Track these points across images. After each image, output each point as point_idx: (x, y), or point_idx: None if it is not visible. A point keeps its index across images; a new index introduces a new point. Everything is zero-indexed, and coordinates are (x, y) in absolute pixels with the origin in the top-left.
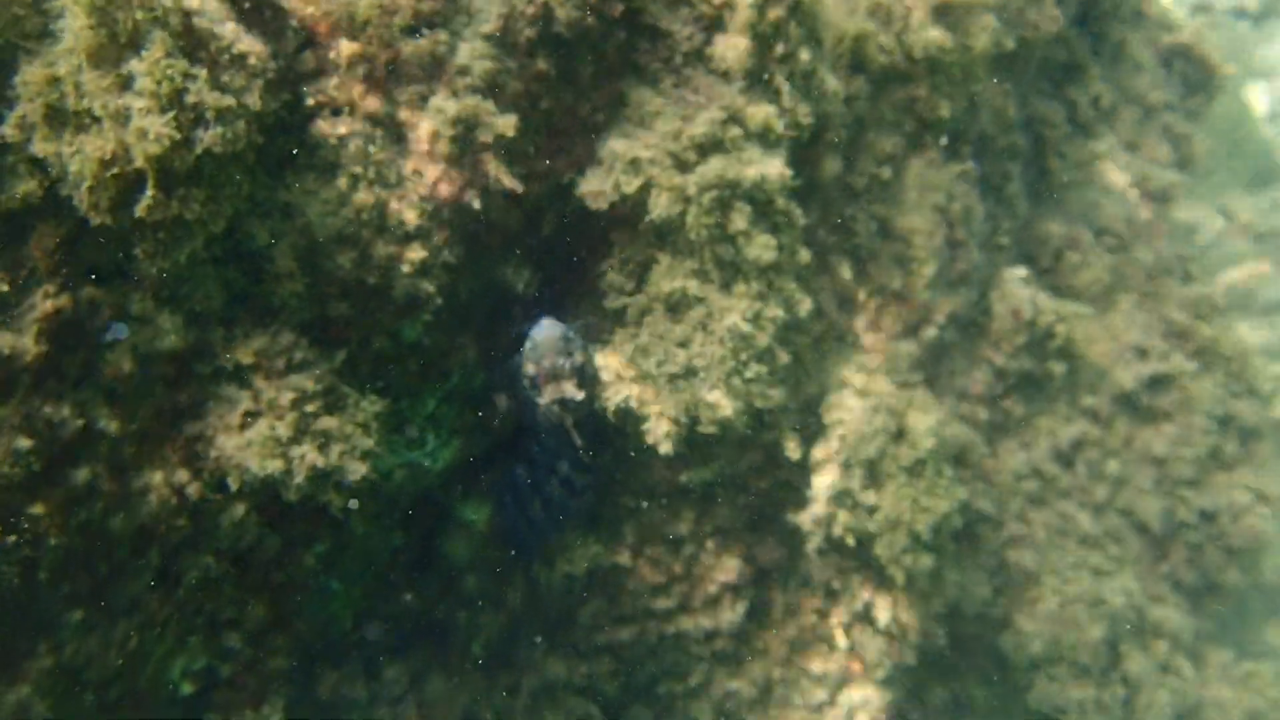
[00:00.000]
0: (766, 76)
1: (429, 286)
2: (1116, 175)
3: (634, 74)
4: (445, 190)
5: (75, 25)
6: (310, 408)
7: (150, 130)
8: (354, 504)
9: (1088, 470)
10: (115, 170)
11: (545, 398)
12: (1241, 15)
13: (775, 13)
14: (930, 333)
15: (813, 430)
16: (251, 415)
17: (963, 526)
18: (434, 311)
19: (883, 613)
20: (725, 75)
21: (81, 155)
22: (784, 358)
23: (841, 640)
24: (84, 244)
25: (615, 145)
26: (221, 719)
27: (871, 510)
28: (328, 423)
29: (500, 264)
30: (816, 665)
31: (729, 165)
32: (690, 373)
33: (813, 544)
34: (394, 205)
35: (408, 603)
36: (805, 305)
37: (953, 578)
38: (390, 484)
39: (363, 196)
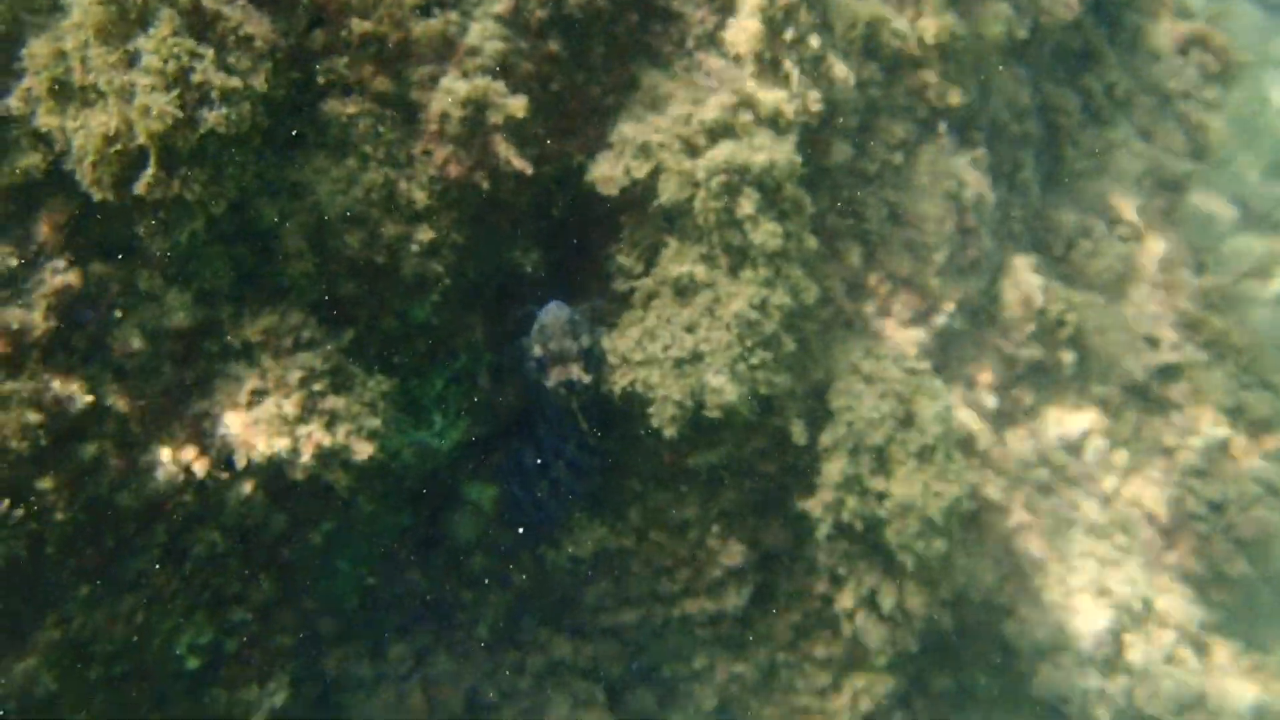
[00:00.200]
0: (776, 61)
1: (437, 267)
2: (1130, 164)
3: (646, 56)
4: (455, 171)
5: (84, 0)
6: (318, 386)
7: (154, 107)
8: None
9: (1096, 459)
10: (118, 147)
11: (552, 380)
12: (1259, 3)
13: None
14: (940, 320)
15: (819, 416)
16: (259, 393)
17: (970, 514)
18: (442, 292)
19: (887, 599)
20: (737, 59)
21: (85, 130)
22: (790, 345)
23: (846, 626)
24: (93, 221)
25: (626, 129)
26: (227, 693)
27: (881, 496)
28: (335, 402)
29: (509, 245)
30: (820, 650)
31: (738, 150)
32: (696, 357)
33: (822, 530)
34: (403, 185)
35: (414, 582)
36: (811, 292)
37: (961, 563)
38: (397, 464)
39: (372, 176)
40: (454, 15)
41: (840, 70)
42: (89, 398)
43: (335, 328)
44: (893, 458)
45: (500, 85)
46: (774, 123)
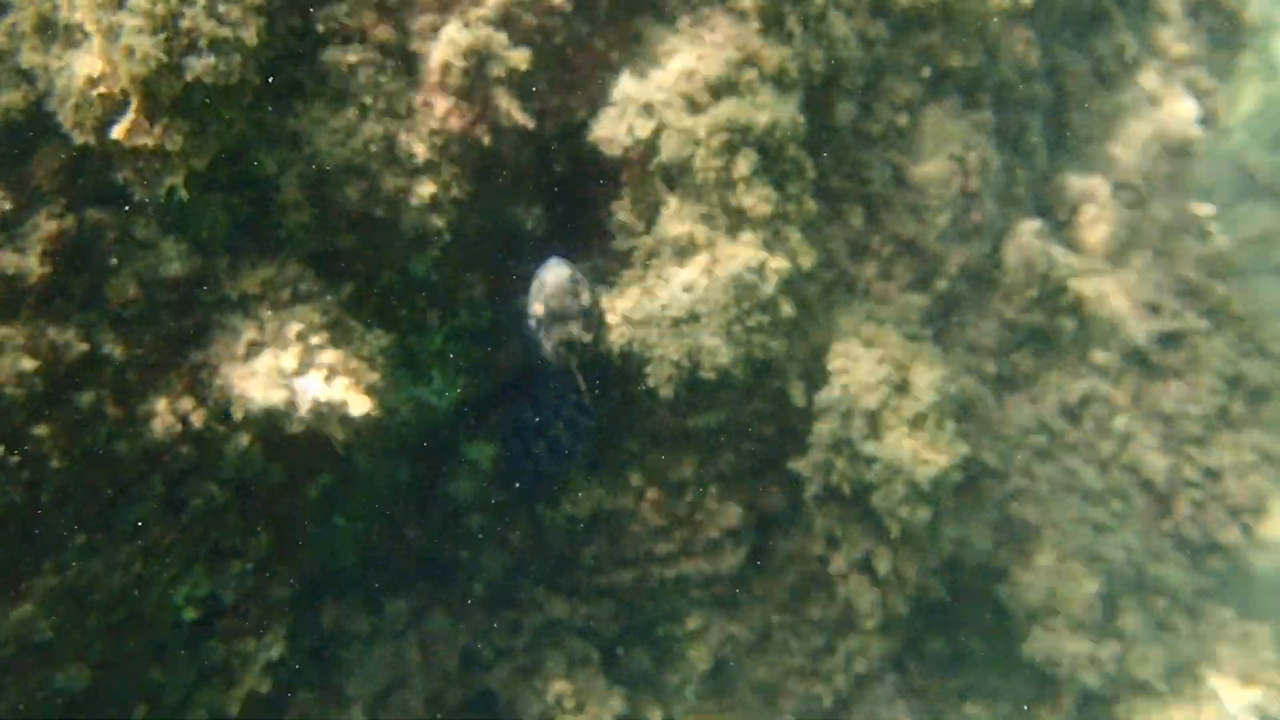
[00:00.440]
0: (781, 17)
1: (438, 221)
2: (1138, 129)
3: (650, 10)
4: (456, 124)
5: None
6: (316, 340)
7: (138, 49)
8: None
9: (1095, 426)
10: (101, 90)
11: (551, 339)
12: None
13: None
14: (942, 284)
15: (819, 378)
16: (256, 345)
17: (967, 480)
18: (442, 247)
19: (882, 563)
20: (741, 15)
21: (69, 71)
22: (787, 309)
23: (841, 589)
24: (89, 166)
25: (628, 87)
26: (224, 645)
27: (870, 460)
28: (333, 355)
29: (510, 201)
30: (815, 612)
31: (741, 108)
32: (693, 318)
33: (810, 490)
34: (403, 137)
35: (412, 539)
36: (811, 257)
37: (950, 533)
38: (395, 420)
39: (372, 127)
40: None
41: (841, 28)
42: (85, 345)
43: (334, 281)
44: (885, 423)
45: (503, 37)
46: (778, 81)
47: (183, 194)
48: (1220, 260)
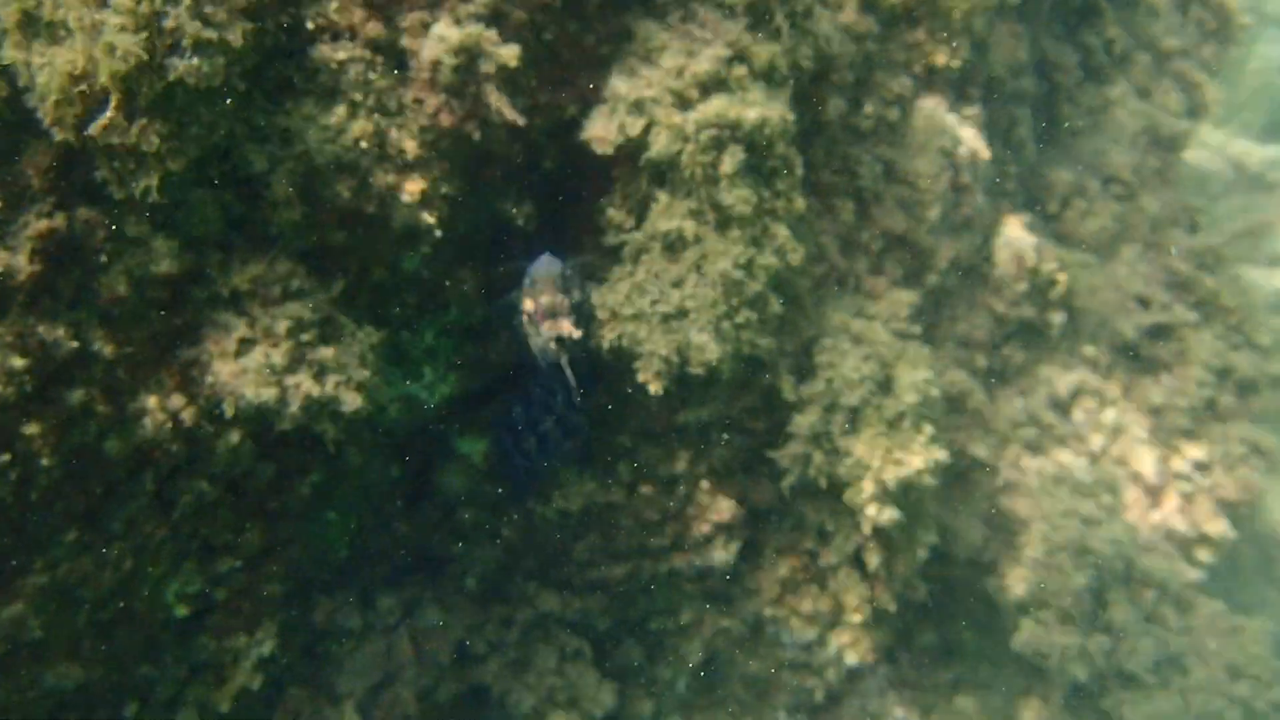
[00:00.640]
0: (769, 13)
1: (428, 218)
2: (1127, 123)
3: (640, 6)
4: (446, 120)
5: None
6: (306, 337)
7: (119, 47)
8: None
9: (1085, 418)
10: (83, 87)
11: (542, 334)
12: None
13: None
14: (932, 278)
15: (808, 373)
16: (247, 342)
17: (956, 474)
18: (433, 243)
19: (872, 558)
20: (730, 11)
21: (50, 67)
22: (776, 306)
23: (831, 582)
24: (79, 165)
25: (619, 85)
26: (215, 642)
27: (845, 456)
28: (324, 353)
29: (500, 197)
30: (807, 605)
31: (730, 105)
32: (682, 313)
33: (787, 481)
34: (394, 134)
35: (403, 534)
36: (798, 254)
37: (926, 539)
38: (386, 416)
39: (362, 124)
40: None
41: (826, 25)
42: (75, 343)
43: (325, 278)
44: (864, 420)
45: (493, 33)
46: (768, 76)
47: (155, 196)
48: (1209, 252)
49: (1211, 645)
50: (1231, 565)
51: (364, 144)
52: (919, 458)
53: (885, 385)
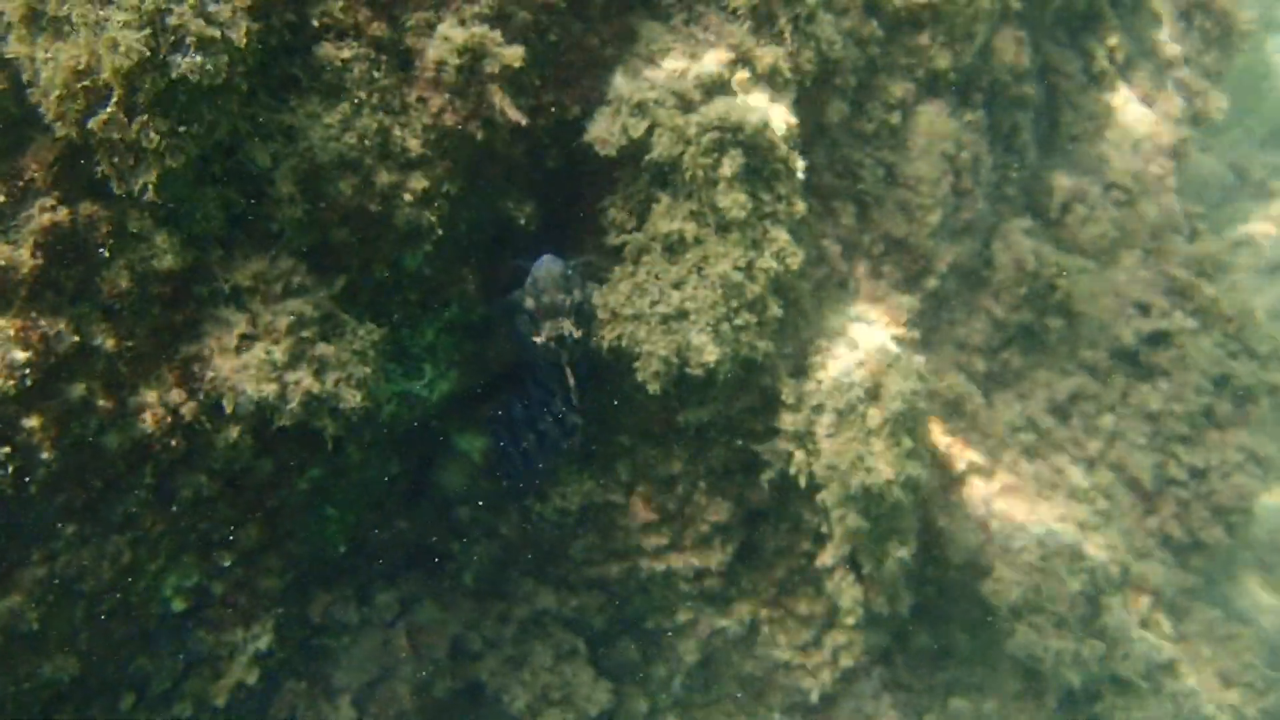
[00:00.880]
0: (773, 16)
1: (431, 216)
2: (1129, 129)
3: (644, 7)
4: (449, 119)
5: None
6: (307, 333)
7: (122, 43)
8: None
9: (1082, 423)
10: (86, 82)
11: (543, 334)
12: None
13: None
14: (932, 282)
15: (802, 372)
16: (248, 338)
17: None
18: (434, 242)
19: (867, 561)
20: (734, 13)
21: (54, 63)
22: (775, 309)
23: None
24: (82, 160)
25: (622, 87)
26: (213, 636)
27: (822, 457)
28: (324, 349)
29: (502, 197)
30: (803, 607)
31: (733, 108)
32: (682, 315)
33: (766, 475)
34: (397, 132)
35: (402, 530)
36: (797, 258)
37: (896, 552)
38: (386, 412)
39: (366, 122)
40: None
41: (828, 29)
42: (76, 337)
43: (326, 275)
44: (846, 424)
45: (497, 34)
46: (771, 80)
47: (151, 194)
48: (1210, 259)
49: (1205, 652)
50: (1228, 571)
51: (367, 142)
52: (891, 468)
53: (873, 392)
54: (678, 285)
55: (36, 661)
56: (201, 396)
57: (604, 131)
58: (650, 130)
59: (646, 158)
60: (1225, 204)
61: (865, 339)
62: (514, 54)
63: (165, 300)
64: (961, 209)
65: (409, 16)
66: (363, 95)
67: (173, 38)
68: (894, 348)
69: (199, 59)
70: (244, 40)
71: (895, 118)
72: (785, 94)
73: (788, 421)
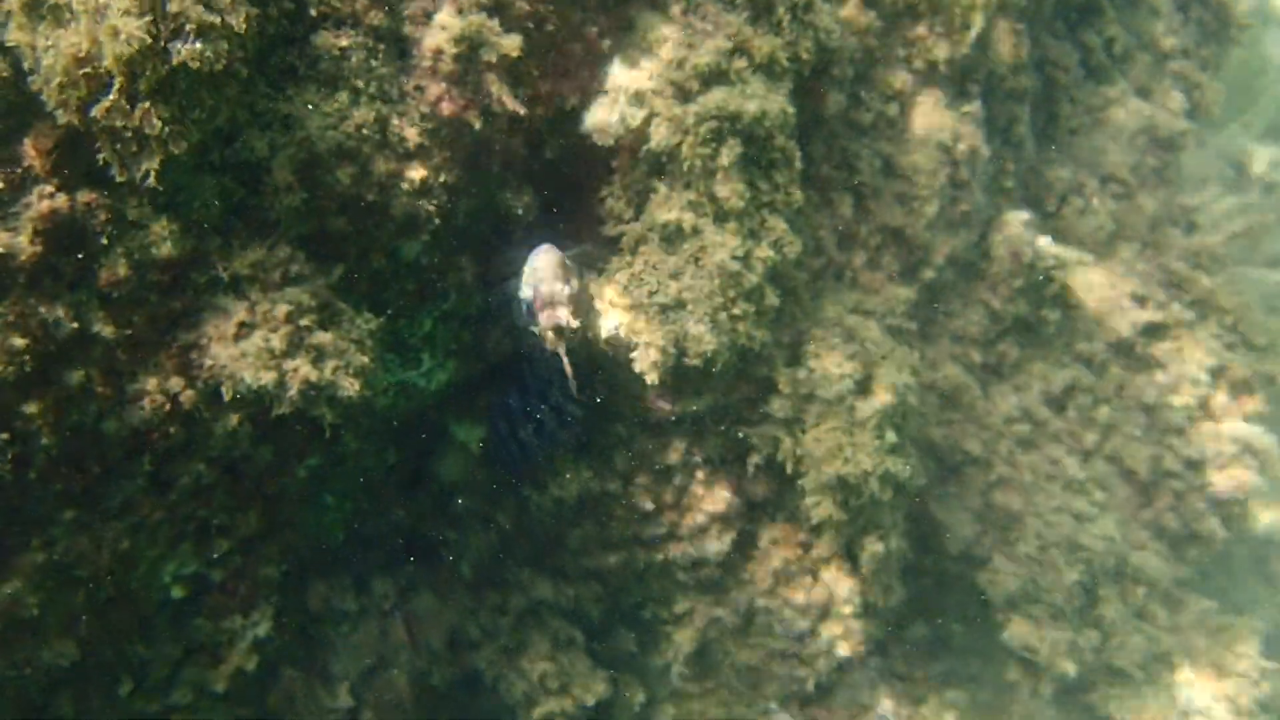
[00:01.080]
0: (771, 5)
1: (428, 206)
2: (1126, 122)
3: None
4: (447, 109)
5: None
6: (305, 321)
7: (123, 30)
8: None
9: (1079, 415)
10: (87, 70)
11: (541, 323)
12: None
13: None
14: (929, 273)
15: (798, 361)
16: (246, 326)
17: (946, 471)
18: (432, 231)
19: (863, 551)
20: (733, 3)
21: (55, 50)
22: (772, 298)
23: (824, 574)
24: (81, 147)
25: (620, 77)
26: (211, 623)
27: (805, 444)
28: (322, 338)
29: (500, 187)
30: (800, 596)
31: (730, 97)
32: (679, 305)
33: (754, 459)
34: (395, 122)
35: (399, 520)
36: (795, 247)
37: (871, 546)
38: (383, 402)
39: (364, 111)
40: None
41: (827, 19)
42: (75, 324)
43: (324, 264)
44: (833, 414)
45: (495, 23)
46: (768, 69)
47: (153, 181)
48: (1207, 252)
49: (1200, 643)
50: (1224, 565)
51: (365, 131)
52: (870, 460)
53: (864, 384)
54: (675, 275)
55: (36, 646)
56: (200, 384)
57: (602, 121)
58: (648, 120)
59: (644, 147)
60: (1224, 198)
61: (861, 330)
62: (512, 43)
63: (163, 288)
64: (958, 201)
65: (407, 5)
66: (360, 84)
67: (173, 24)
68: (889, 340)
69: (199, 45)
70: (243, 26)
71: (893, 109)
72: (783, 83)
73: (777, 407)
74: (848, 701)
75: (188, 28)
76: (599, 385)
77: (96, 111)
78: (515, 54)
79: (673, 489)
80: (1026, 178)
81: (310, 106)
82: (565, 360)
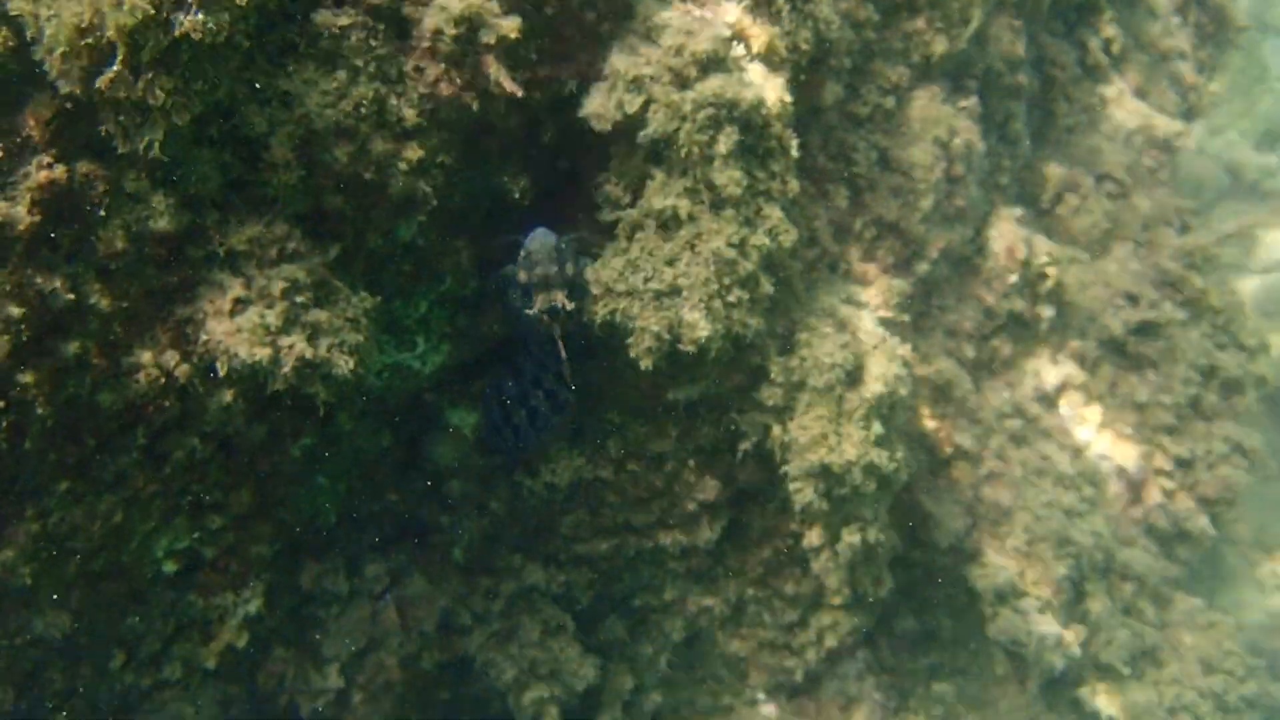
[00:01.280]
0: None
1: (425, 186)
2: (1123, 121)
3: None
4: (446, 90)
5: None
6: (301, 299)
7: (126, 1)
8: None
9: (1070, 412)
10: (90, 40)
11: (536, 306)
12: None
13: None
14: (923, 267)
15: (789, 350)
16: (242, 302)
17: (937, 464)
18: (429, 212)
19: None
20: None
21: (58, 19)
22: (767, 286)
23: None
24: (80, 118)
25: (619, 62)
26: (203, 599)
27: (792, 432)
28: (318, 315)
29: (498, 170)
30: (790, 587)
31: (728, 84)
32: (675, 291)
33: (743, 445)
34: (393, 101)
35: (392, 503)
36: (790, 235)
37: (849, 538)
38: (378, 383)
39: (362, 90)
40: None
41: (826, 10)
42: (71, 295)
43: (321, 242)
44: (821, 402)
45: (494, 5)
46: (767, 58)
47: (156, 151)
48: (1200, 252)
49: (1187, 639)
50: (1213, 570)
51: (363, 110)
52: (854, 450)
53: (854, 375)
54: (671, 262)
55: (29, 616)
56: (195, 359)
57: (599, 107)
58: (646, 106)
59: (641, 134)
60: (1219, 203)
61: (854, 320)
62: (511, 25)
63: (160, 262)
64: (954, 195)
65: None
66: (360, 63)
67: None
68: (881, 331)
69: (201, 16)
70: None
71: (890, 102)
72: (780, 73)
73: (767, 395)
74: (835, 693)
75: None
76: (593, 371)
77: (101, 83)
78: (514, 36)
79: (664, 476)
80: (1022, 175)
81: (309, 84)
82: (560, 344)
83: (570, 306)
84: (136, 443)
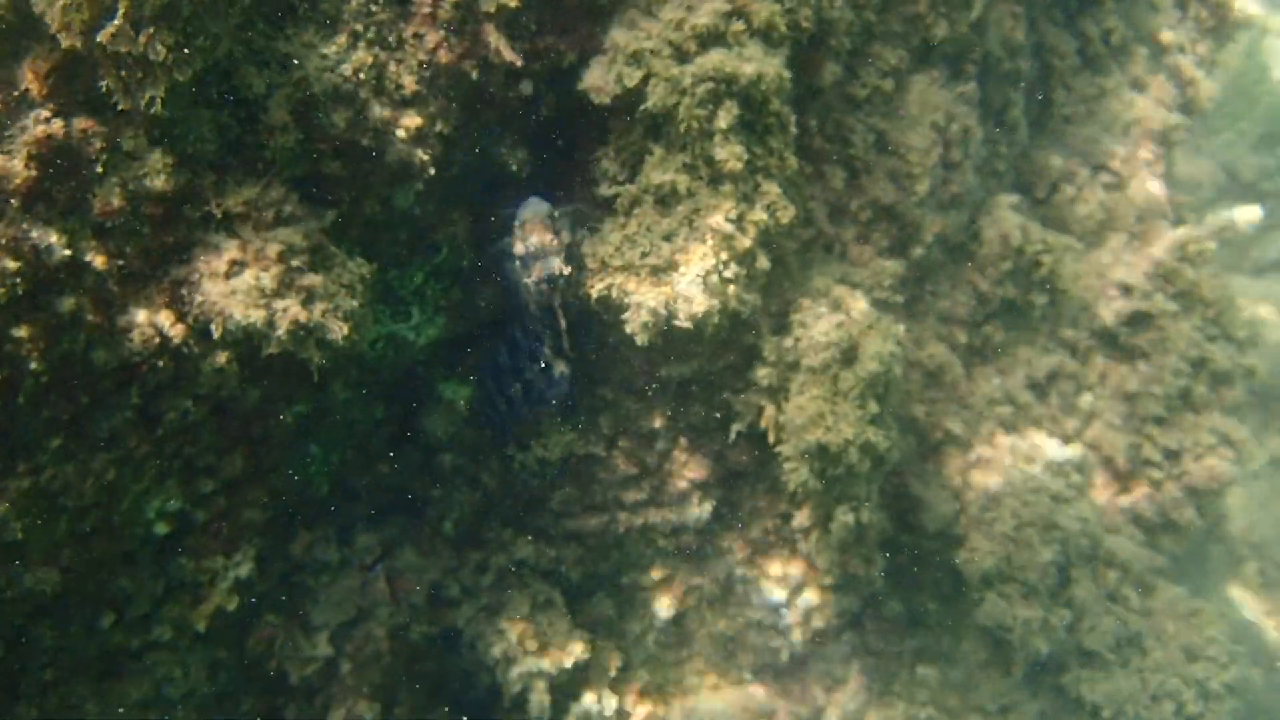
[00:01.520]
0: None
1: (423, 154)
2: (1121, 113)
3: None
4: (445, 57)
5: None
6: (296, 262)
7: None
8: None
9: (1060, 401)
10: None
11: (533, 276)
12: None
13: None
14: (918, 251)
15: (783, 330)
16: (238, 264)
17: (928, 449)
18: (426, 181)
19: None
20: None
21: None
22: (764, 262)
23: (802, 545)
24: (79, 73)
25: (619, 36)
26: (193, 562)
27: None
28: (313, 279)
29: (496, 142)
30: (777, 567)
31: (727, 59)
32: (672, 266)
33: (736, 425)
34: (392, 68)
35: (385, 475)
36: (788, 212)
37: (843, 517)
38: (372, 354)
39: (361, 55)
40: None
41: None
42: (67, 251)
43: (317, 207)
44: (817, 382)
45: None
46: (766, 35)
47: (158, 108)
48: (1194, 244)
49: (1170, 627)
50: (1199, 566)
51: (362, 75)
52: (850, 429)
53: (849, 354)
54: (668, 237)
55: (19, 570)
56: (190, 320)
57: (599, 80)
58: (645, 80)
59: (641, 108)
60: (1217, 202)
61: (848, 301)
62: None
63: (156, 221)
64: (950, 181)
65: None
66: (359, 28)
67: None
68: (875, 312)
69: None
70: None
71: (888, 84)
72: (780, 49)
73: (761, 375)
74: (821, 674)
75: None
76: (588, 346)
77: (101, 37)
78: (514, 4)
79: (655, 454)
80: (1019, 163)
81: (308, 48)
82: (559, 312)
83: (568, 272)
84: (130, 402)
